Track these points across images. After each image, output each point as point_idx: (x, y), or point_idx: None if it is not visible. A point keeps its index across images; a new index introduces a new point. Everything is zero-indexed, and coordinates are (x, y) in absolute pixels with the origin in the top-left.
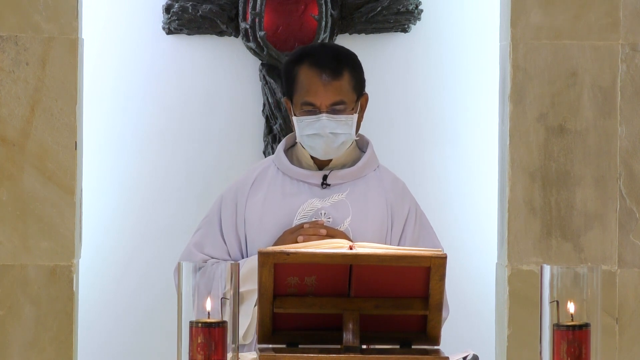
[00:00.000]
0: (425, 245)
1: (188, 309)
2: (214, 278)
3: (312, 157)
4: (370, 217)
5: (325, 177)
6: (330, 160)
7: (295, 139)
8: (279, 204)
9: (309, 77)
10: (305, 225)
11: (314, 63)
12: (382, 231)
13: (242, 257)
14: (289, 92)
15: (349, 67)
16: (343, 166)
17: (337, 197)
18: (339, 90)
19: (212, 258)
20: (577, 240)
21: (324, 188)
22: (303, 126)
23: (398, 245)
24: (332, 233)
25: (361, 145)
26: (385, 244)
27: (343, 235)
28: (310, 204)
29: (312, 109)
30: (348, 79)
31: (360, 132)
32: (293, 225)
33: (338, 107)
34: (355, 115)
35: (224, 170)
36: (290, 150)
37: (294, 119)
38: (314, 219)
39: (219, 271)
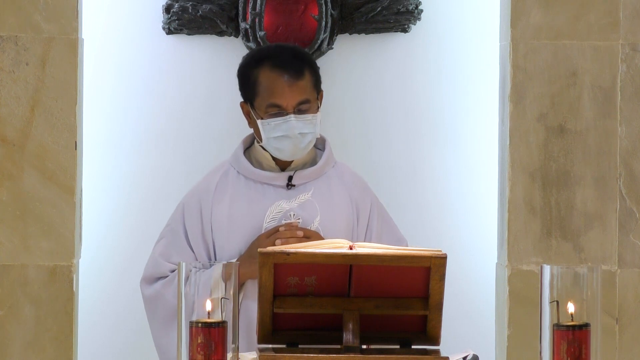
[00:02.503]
0: (388, 238)
1: (188, 309)
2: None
3: (273, 158)
4: (338, 214)
5: (290, 178)
6: (291, 161)
7: (252, 141)
8: (246, 209)
9: (272, 79)
10: (280, 229)
11: (275, 65)
12: (349, 227)
13: None
14: (249, 96)
15: (308, 66)
16: (304, 165)
17: (304, 197)
18: (303, 89)
19: None
20: (577, 240)
21: (290, 189)
22: (270, 129)
23: (364, 239)
24: (308, 234)
25: (316, 142)
26: (352, 239)
27: (317, 235)
28: (278, 206)
29: (279, 111)
30: (309, 78)
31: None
32: (263, 229)
33: (303, 106)
34: (319, 114)
35: None
36: (247, 152)
37: (259, 122)
38: (284, 221)
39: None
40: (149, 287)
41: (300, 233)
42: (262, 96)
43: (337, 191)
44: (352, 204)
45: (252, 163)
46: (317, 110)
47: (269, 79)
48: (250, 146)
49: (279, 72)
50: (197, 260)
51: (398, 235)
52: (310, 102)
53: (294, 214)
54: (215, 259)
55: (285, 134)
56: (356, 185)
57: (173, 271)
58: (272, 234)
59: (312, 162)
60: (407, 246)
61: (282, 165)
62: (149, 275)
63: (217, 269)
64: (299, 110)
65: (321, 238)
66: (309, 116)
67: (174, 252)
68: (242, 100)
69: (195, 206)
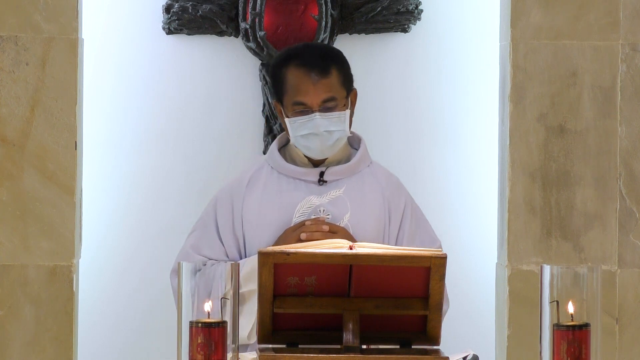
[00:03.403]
0: (422, 239)
1: (188, 309)
2: (214, 278)
3: (306, 156)
4: (369, 213)
5: (322, 174)
6: (325, 158)
7: (288, 139)
8: (276, 203)
9: (298, 77)
10: (307, 223)
11: (301, 63)
12: (380, 226)
13: (241, 258)
14: (278, 95)
15: (335, 63)
16: (338, 163)
17: (335, 193)
18: (329, 87)
19: (210, 259)
20: (577, 240)
21: (321, 185)
22: (296, 127)
23: (396, 239)
24: (334, 229)
25: (352, 142)
26: (383, 239)
27: (344, 231)
28: (309, 201)
29: (304, 109)
30: (336, 76)
31: (356, 130)
32: (292, 223)
33: (329, 104)
34: (348, 112)
35: (224, 170)
36: (283, 149)
37: (287, 120)
38: (313, 216)
39: (219, 272)
40: (177, 278)
41: (325, 227)
42: (289, 94)
43: (369, 190)
44: (384, 204)
45: (287, 159)
46: (345, 108)
47: (295, 77)
48: (286, 144)
49: (304, 70)
50: (226, 253)
51: (432, 237)
52: (337, 99)
53: (323, 210)
54: (245, 253)
55: (311, 132)
56: (390, 185)
57: (204, 263)
58: (298, 228)
59: (347, 160)
60: (439, 248)
61: (316, 163)
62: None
63: (249, 263)
64: (325, 108)
65: (349, 234)
66: (335, 114)
67: (205, 245)
68: (274, 99)
69: (227, 200)
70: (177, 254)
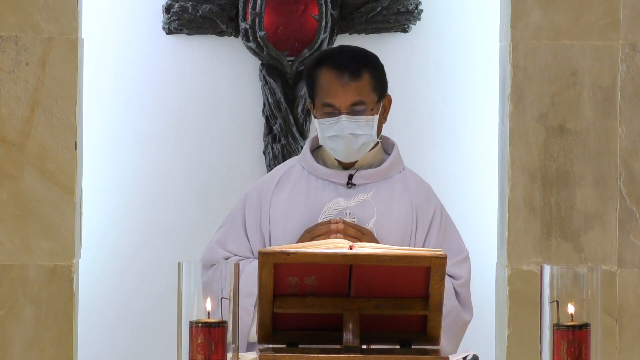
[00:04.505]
0: (449, 248)
1: (188, 309)
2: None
3: (337, 159)
4: (395, 218)
5: (350, 177)
6: (356, 161)
7: None
8: (303, 203)
9: (328, 79)
10: (332, 226)
11: (333, 65)
12: (407, 233)
13: None
14: (311, 95)
15: (368, 67)
16: (369, 167)
17: (363, 197)
18: (359, 90)
19: (235, 255)
20: (577, 240)
21: (350, 188)
22: (324, 128)
23: (423, 246)
24: (362, 231)
25: (386, 147)
26: (409, 245)
27: (370, 233)
28: (335, 203)
29: (332, 111)
30: (368, 80)
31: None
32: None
33: (358, 107)
34: (376, 117)
35: (224, 170)
36: (316, 151)
37: (315, 121)
38: (339, 218)
39: (250, 268)
40: (204, 273)
41: (334, 226)
42: (319, 96)
43: (398, 196)
44: (412, 210)
45: (318, 161)
46: (375, 113)
47: (326, 78)
48: (320, 145)
49: (335, 72)
50: (252, 250)
51: (460, 246)
52: (366, 104)
53: (349, 212)
54: None
55: (337, 134)
56: (420, 193)
57: (227, 258)
58: (313, 229)
59: (378, 164)
60: (466, 258)
61: (346, 166)
62: (204, 261)
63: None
64: (353, 111)
65: (374, 238)
66: (362, 118)
67: (231, 241)
68: (309, 100)
69: (256, 196)
70: (204, 249)
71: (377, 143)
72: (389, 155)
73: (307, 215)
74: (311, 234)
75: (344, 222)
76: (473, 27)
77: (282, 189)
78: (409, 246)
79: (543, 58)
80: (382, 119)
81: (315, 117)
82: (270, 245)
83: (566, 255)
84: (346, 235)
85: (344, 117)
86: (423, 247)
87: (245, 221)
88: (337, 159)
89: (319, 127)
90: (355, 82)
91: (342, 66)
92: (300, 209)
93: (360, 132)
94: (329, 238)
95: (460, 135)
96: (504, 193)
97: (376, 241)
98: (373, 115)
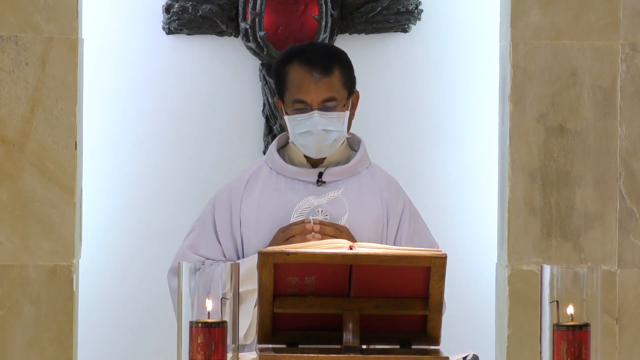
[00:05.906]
0: (420, 242)
1: (188, 309)
2: (213, 279)
3: (305, 157)
4: (367, 214)
5: (320, 175)
6: (323, 159)
7: (287, 139)
8: (274, 203)
9: (300, 75)
10: (307, 225)
11: (304, 61)
12: (379, 228)
13: (238, 258)
14: (280, 92)
15: (338, 64)
16: (337, 164)
17: (333, 194)
18: (330, 87)
19: (207, 259)
20: (577, 240)
21: (320, 185)
22: (295, 124)
23: (394, 242)
24: (340, 229)
25: (352, 143)
26: (381, 240)
27: (348, 231)
28: (307, 202)
29: (304, 107)
30: (338, 76)
31: (357, 131)
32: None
33: (329, 103)
34: (347, 113)
35: (224, 170)
36: (282, 150)
37: (286, 118)
38: (311, 217)
39: (218, 272)
40: (175, 278)
41: (309, 226)
42: (289, 92)
43: (368, 191)
44: (382, 205)
45: (285, 160)
46: (345, 109)
47: (297, 74)
48: (286, 144)
49: (306, 69)
50: (224, 253)
51: (430, 240)
52: (337, 100)
53: (321, 210)
54: (243, 253)
55: (308, 130)
56: (389, 187)
57: (202, 263)
58: (287, 228)
59: (346, 161)
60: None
61: (314, 163)
62: (175, 266)
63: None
64: (325, 107)
65: (351, 234)
66: (334, 114)
67: (202, 245)
68: (276, 96)
69: (226, 200)
70: (175, 254)
71: (345, 139)
72: (356, 151)
73: (279, 215)
74: (285, 233)
75: (320, 222)
76: (473, 27)
77: (252, 190)
78: (381, 241)
79: (543, 58)
80: (351, 115)
81: (285, 114)
82: (242, 248)
83: (566, 255)
84: (324, 235)
85: (316, 113)
86: (394, 241)
87: (216, 224)
88: (308, 155)
89: (289, 124)
90: (326, 79)
91: (313, 62)
92: (271, 209)
93: (332, 128)
94: (304, 237)
95: (460, 135)
96: (504, 193)
97: (353, 237)
98: (344, 111)
